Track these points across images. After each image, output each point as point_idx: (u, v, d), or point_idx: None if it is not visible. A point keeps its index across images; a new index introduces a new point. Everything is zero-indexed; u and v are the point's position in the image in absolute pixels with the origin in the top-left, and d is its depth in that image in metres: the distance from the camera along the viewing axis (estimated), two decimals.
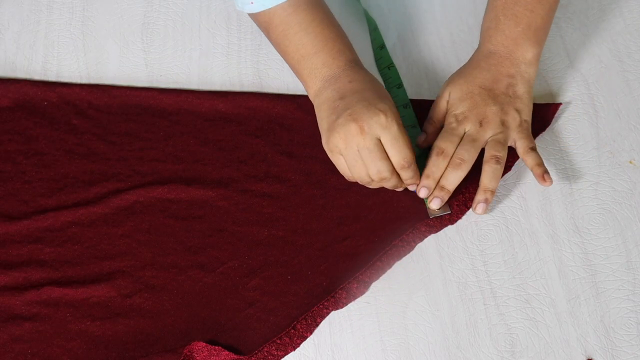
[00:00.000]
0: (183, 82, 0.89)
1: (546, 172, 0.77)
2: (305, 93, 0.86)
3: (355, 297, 0.76)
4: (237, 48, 0.91)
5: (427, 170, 0.78)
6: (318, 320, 0.75)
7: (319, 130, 0.83)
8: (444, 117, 0.81)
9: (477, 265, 0.77)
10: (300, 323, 0.75)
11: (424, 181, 0.77)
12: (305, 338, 0.74)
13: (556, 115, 0.84)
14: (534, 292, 0.75)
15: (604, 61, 0.88)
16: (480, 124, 0.78)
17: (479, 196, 0.77)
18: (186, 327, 0.75)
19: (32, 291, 0.77)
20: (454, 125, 0.79)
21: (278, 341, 0.74)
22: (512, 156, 0.81)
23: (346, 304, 0.75)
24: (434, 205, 0.78)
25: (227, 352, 0.73)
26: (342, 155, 0.75)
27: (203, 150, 0.84)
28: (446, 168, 0.77)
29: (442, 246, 0.78)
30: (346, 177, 0.78)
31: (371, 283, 0.76)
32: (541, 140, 0.83)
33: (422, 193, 0.77)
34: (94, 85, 0.89)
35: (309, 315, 0.75)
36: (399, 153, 0.75)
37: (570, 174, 0.81)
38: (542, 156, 0.81)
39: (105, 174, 0.83)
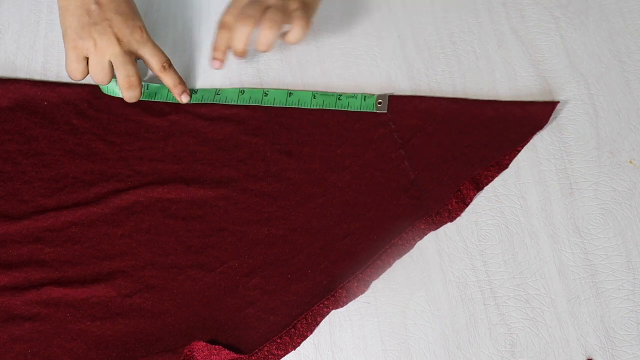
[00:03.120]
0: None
1: (298, 37, 0.81)
2: None
3: (355, 296, 0.76)
4: None
5: (214, 45, 0.84)
6: (318, 319, 0.75)
7: (318, 129, 0.83)
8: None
9: (477, 265, 0.77)
10: (301, 322, 0.75)
11: (214, 53, 0.84)
12: (305, 337, 0.74)
13: (556, 115, 0.84)
14: (534, 292, 0.75)
15: (604, 61, 0.88)
16: None
17: (258, 45, 0.81)
18: (186, 327, 0.75)
19: (32, 291, 0.77)
20: None
21: (278, 340, 0.74)
22: (508, 155, 0.82)
23: (346, 303, 0.75)
24: (238, 56, 0.83)
25: (227, 351, 0.73)
26: (87, 57, 0.82)
27: (202, 150, 0.84)
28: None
29: (442, 246, 0.78)
30: (72, 74, 0.84)
31: (371, 282, 0.76)
32: (541, 140, 0.83)
33: (215, 65, 0.85)
34: (94, 85, 0.89)
35: (309, 314, 0.75)
36: (157, 57, 0.84)
37: (570, 174, 0.81)
38: (542, 156, 0.81)
39: (105, 174, 0.83)
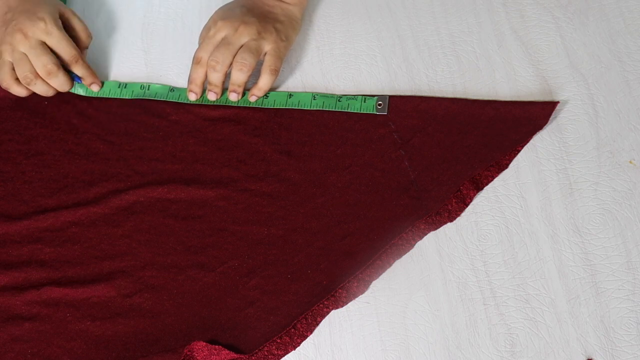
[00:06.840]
0: (183, 82, 0.89)
1: (259, 91, 0.85)
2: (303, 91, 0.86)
3: (355, 296, 0.76)
4: None
5: (190, 77, 0.86)
6: (318, 319, 0.75)
7: (318, 129, 0.84)
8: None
9: (477, 265, 0.77)
10: (301, 322, 0.75)
11: (190, 86, 0.86)
12: (305, 337, 0.74)
13: (556, 115, 0.84)
14: (534, 292, 0.75)
15: (604, 61, 0.88)
16: (237, 29, 0.84)
17: (229, 90, 0.85)
18: (186, 327, 0.75)
19: (32, 291, 0.77)
20: (212, 33, 0.85)
21: (278, 340, 0.74)
22: (508, 155, 0.82)
23: (346, 303, 0.75)
24: (211, 97, 0.86)
25: (227, 352, 0.73)
26: (9, 60, 0.83)
27: (202, 150, 0.84)
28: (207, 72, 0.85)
29: (442, 246, 0.78)
30: (3, 84, 0.85)
31: (371, 282, 0.76)
32: (541, 140, 0.83)
33: (191, 97, 0.86)
34: None
35: (309, 315, 0.75)
36: (65, 50, 0.84)
37: (570, 174, 0.81)
38: (542, 156, 0.82)
39: (105, 174, 0.83)
